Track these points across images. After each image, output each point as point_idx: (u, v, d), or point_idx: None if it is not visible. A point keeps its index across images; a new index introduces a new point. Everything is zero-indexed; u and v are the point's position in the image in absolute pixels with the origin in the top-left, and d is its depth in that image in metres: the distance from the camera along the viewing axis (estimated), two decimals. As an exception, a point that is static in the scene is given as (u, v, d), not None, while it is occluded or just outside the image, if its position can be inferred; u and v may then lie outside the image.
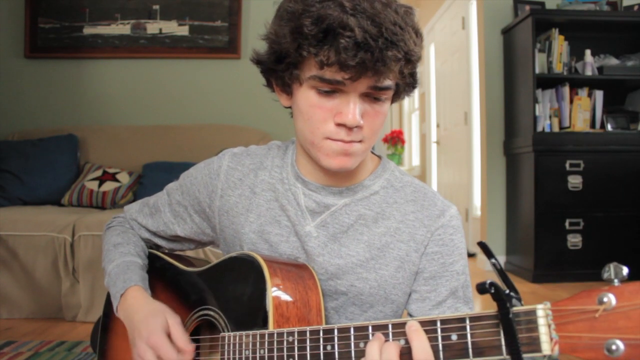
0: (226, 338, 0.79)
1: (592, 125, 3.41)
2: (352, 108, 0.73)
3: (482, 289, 0.55)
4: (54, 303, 2.43)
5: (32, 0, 3.33)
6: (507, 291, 0.55)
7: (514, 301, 0.54)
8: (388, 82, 0.73)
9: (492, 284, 0.54)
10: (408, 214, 0.85)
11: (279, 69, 0.78)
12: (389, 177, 0.88)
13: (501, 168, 3.72)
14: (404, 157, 6.91)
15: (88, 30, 3.36)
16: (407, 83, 0.79)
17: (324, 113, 0.75)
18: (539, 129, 3.33)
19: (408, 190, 0.87)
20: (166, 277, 0.97)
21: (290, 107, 0.84)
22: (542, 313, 0.52)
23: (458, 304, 0.85)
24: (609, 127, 3.39)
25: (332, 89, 0.73)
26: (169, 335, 0.81)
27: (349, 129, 0.74)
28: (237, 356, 0.76)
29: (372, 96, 0.75)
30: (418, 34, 0.74)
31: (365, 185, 0.86)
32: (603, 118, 3.41)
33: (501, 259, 3.71)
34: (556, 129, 3.38)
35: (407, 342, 0.60)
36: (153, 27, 3.39)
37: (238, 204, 0.90)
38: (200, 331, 0.90)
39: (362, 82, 0.72)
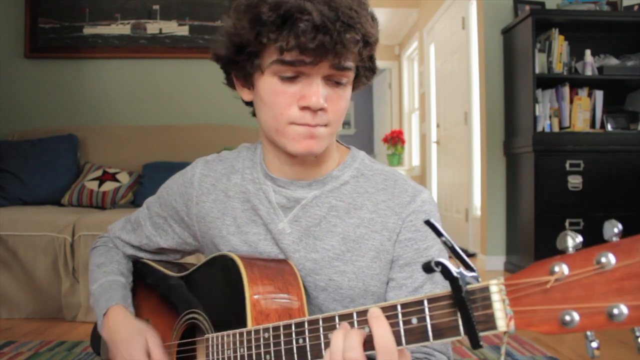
0: (210, 339, 0.79)
1: (592, 125, 3.41)
2: (316, 90, 0.74)
3: (427, 267, 0.53)
4: (54, 303, 2.43)
5: (32, 0, 3.33)
6: (459, 269, 0.52)
7: (469, 279, 0.52)
8: (349, 64, 0.75)
9: (438, 263, 0.52)
10: (379, 204, 0.85)
11: (240, 60, 0.79)
12: (359, 166, 0.88)
13: (501, 168, 3.72)
14: (404, 157, 6.91)
15: (88, 30, 3.37)
16: (367, 67, 0.81)
17: (288, 98, 0.76)
18: (539, 129, 3.33)
19: (379, 178, 0.87)
20: (154, 284, 0.98)
21: (250, 104, 0.85)
22: (496, 289, 0.50)
23: (437, 289, 0.84)
24: (609, 127, 3.39)
25: (294, 74, 0.74)
26: (149, 355, 0.83)
27: (314, 112, 0.75)
28: (220, 357, 0.76)
29: (333, 79, 0.76)
30: (373, 18, 0.77)
31: (334, 176, 0.86)
32: (603, 118, 3.41)
33: (501, 259, 3.71)
34: (556, 129, 3.38)
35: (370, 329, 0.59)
36: (153, 27, 3.39)
37: (213, 208, 0.91)
38: (190, 335, 0.91)
39: (323, 64, 0.73)
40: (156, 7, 3.38)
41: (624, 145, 3.28)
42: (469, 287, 0.52)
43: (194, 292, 0.88)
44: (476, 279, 0.53)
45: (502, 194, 3.72)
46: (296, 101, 0.76)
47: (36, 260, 2.39)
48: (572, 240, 0.47)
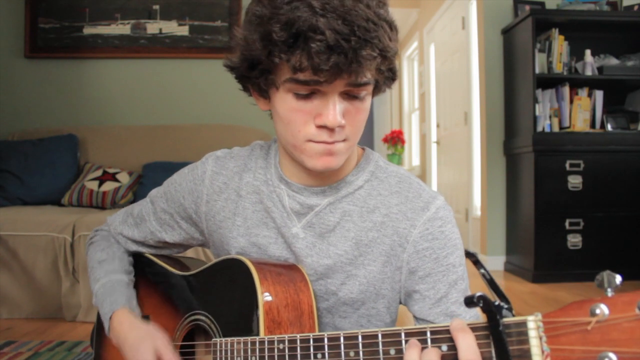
0: (218, 344, 0.78)
1: (592, 125, 3.41)
2: (332, 109, 0.71)
3: (469, 302, 0.53)
4: (54, 303, 2.43)
5: (32, 0, 3.33)
6: (497, 302, 0.53)
7: (505, 312, 0.52)
8: (366, 79, 0.71)
9: (480, 297, 0.52)
10: (392, 207, 0.83)
11: (253, 76, 0.75)
12: (373, 169, 0.86)
13: (501, 168, 3.72)
14: (404, 157, 6.91)
15: (88, 30, 3.37)
16: (386, 77, 0.77)
17: (304, 116, 0.73)
18: (539, 129, 3.33)
19: (392, 181, 0.85)
20: (158, 282, 0.97)
21: (269, 110, 0.82)
22: (533, 325, 0.51)
23: (462, 298, 0.82)
24: (609, 127, 3.39)
25: (309, 92, 0.71)
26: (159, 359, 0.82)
27: (331, 129, 0.73)
28: None
29: (351, 94, 0.73)
30: (392, 27, 0.71)
31: (349, 182, 0.84)
32: (603, 118, 3.41)
33: (501, 259, 3.71)
34: (556, 129, 3.38)
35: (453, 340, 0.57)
36: (153, 27, 3.39)
37: (225, 208, 0.89)
38: (194, 336, 0.90)
39: (339, 82, 0.70)
40: (156, 7, 3.38)
41: (624, 145, 3.28)
42: (505, 320, 0.52)
43: (201, 293, 0.86)
44: (510, 310, 0.53)
45: (502, 194, 3.72)
46: (312, 119, 0.73)
47: (36, 260, 2.39)
48: (612, 281, 0.48)
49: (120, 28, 3.38)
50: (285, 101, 0.74)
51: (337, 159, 0.76)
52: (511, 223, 3.64)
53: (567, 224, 3.22)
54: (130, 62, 3.41)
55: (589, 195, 3.22)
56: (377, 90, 0.80)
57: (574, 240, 3.22)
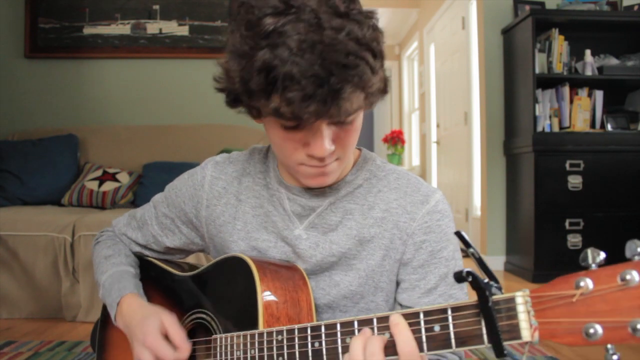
0: (218, 340, 0.79)
1: (592, 125, 3.42)
2: (320, 140, 0.71)
3: (459, 277, 0.55)
4: (54, 303, 2.43)
5: (32, 0, 3.33)
6: (486, 280, 0.54)
7: (494, 290, 0.54)
8: (352, 110, 0.68)
9: (469, 273, 0.54)
10: (391, 202, 0.85)
11: (239, 106, 0.76)
12: (371, 168, 0.88)
13: (501, 168, 3.72)
14: (404, 157, 6.91)
15: (88, 30, 3.37)
16: (375, 95, 0.74)
17: (293, 144, 0.73)
18: (539, 129, 3.33)
19: (391, 178, 0.87)
20: (159, 283, 0.98)
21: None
22: (521, 300, 0.52)
23: (452, 290, 0.84)
24: (609, 127, 3.39)
25: (295, 124, 0.69)
26: (165, 336, 0.81)
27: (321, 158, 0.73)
28: (229, 357, 0.77)
29: (339, 121, 0.72)
30: (376, 53, 0.67)
31: (348, 181, 0.86)
32: (603, 118, 3.41)
33: (501, 259, 3.71)
34: (556, 129, 3.38)
35: (392, 335, 0.60)
36: (153, 27, 3.39)
37: (224, 212, 0.90)
38: (195, 334, 0.91)
39: (323, 119, 0.69)
40: (156, 7, 3.38)
41: (624, 145, 3.28)
42: (494, 297, 0.54)
43: (202, 292, 0.87)
44: (499, 289, 0.55)
45: (502, 194, 3.72)
46: (302, 146, 0.73)
47: (36, 260, 2.39)
48: (595, 256, 0.50)
49: (120, 28, 3.38)
50: (273, 129, 0.74)
51: (330, 177, 0.78)
52: (511, 223, 3.64)
53: (567, 224, 3.22)
54: (130, 62, 3.41)
55: (589, 195, 3.22)
56: (368, 107, 0.78)
57: (574, 240, 3.22)
